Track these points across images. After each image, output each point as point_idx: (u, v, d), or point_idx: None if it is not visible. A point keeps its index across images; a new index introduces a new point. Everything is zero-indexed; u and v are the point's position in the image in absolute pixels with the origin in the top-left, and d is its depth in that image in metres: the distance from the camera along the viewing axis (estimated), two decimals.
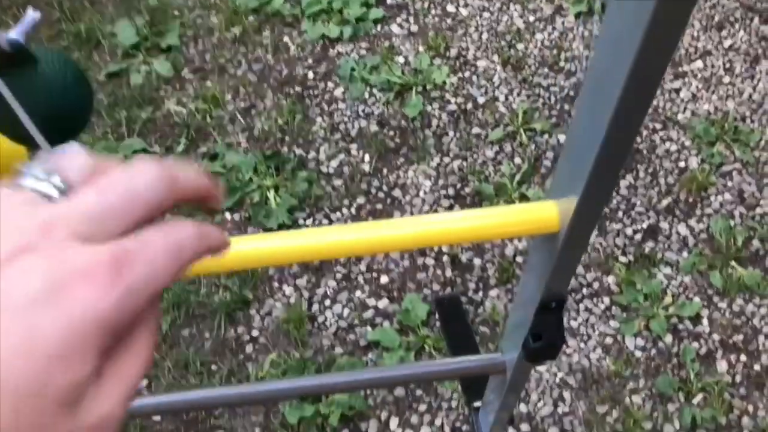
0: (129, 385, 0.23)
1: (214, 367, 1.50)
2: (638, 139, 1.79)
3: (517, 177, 1.73)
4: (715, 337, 1.51)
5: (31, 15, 0.46)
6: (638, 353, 1.50)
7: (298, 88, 1.91)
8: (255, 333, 1.55)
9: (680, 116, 1.83)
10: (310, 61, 1.96)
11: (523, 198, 1.70)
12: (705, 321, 1.53)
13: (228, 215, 1.70)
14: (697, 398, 1.44)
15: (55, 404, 0.21)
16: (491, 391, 1.09)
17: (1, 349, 0.20)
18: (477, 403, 1.22)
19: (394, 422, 1.44)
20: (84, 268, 0.22)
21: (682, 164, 1.75)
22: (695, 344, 1.50)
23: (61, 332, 0.21)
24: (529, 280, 0.75)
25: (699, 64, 1.92)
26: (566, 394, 1.46)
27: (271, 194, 1.71)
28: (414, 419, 1.44)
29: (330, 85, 1.91)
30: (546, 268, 0.69)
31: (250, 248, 0.60)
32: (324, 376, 0.95)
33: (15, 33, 0.44)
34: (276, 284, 1.61)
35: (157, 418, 1.45)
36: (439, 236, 0.65)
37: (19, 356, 0.20)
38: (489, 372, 0.95)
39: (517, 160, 1.77)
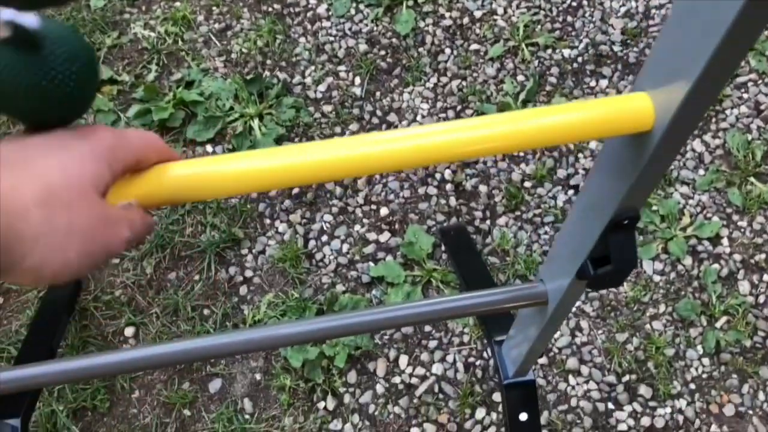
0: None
1: (206, 311, 1.39)
2: (647, 51, 1.67)
3: (522, 95, 1.60)
4: (736, 257, 1.44)
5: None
6: (657, 278, 1.42)
7: (277, 6, 1.73)
8: (248, 273, 1.43)
9: None
10: None
11: None
12: (725, 241, 1.45)
13: (209, 148, 1.55)
14: (720, 321, 1.37)
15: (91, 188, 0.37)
16: (521, 324, 0.99)
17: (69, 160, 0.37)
18: (500, 337, 1.13)
19: (403, 361, 1.35)
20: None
21: None
22: (716, 265, 1.43)
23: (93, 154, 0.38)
24: (596, 192, 0.64)
25: None
26: (583, 324, 1.39)
27: (255, 123, 1.57)
28: (424, 357, 1.36)
29: (312, 1, 1.74)
30: (626, 177, 0.58)
31: (231, 170, 0.47)
32: (338, 317, 0.84)
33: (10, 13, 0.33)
34: (267, 221, 1.49)
35: None
36: (491, 142, 0.53)
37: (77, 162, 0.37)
38: (527, 304, 0.85)
39: (520, 77, 1.64)
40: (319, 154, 0.50)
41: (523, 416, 1.11)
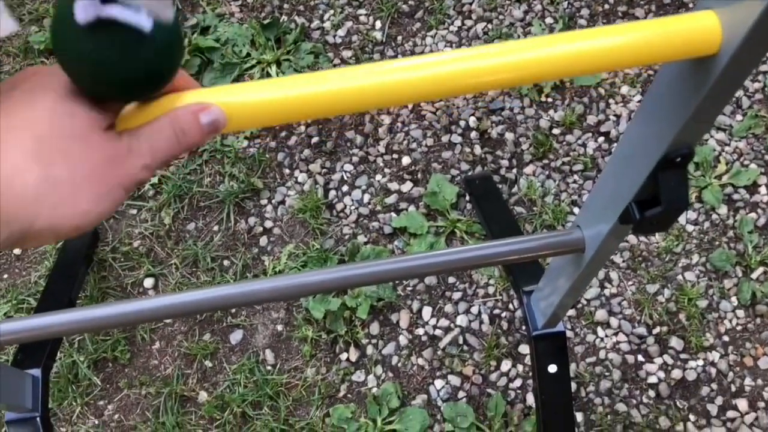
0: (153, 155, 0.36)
1: (226, 262, 1.36)
2: None
3: None
4: None
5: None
6: (690, 227, 1.37)
7: None
8: (268, 224, 1.40)
9: None
10: None
11: None
12: (762, 189, 1.39)
13: None
14: (757, 272, 1.32)
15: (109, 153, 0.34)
16: (552, 274, 0.95)
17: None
18: (529, 287, 1.09)
19: (426, 312, 1.32)
20: None
21: None
22: (752, 214, 1.37)
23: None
24: (647, 126, 0.59)
25: None
26: (613, 275, 1.34)
27: (272, 70, 1.51)
28: (448, 308, 1.33)
29: None
30: (683, 108, 0.53)
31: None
32: (362, 265, 0.80)
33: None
34: (287, 170, 1.45)
35: (168, 318, 1.32)
36: (536, 67, 0.47)
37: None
38: (563, 252, 0.81)
39: (549, 20, 1.57)
40: (352, 80, 0.45)
41: (552, 368, 1.08)
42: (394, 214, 1.40)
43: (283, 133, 1.48)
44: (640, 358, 1.28)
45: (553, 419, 1.10)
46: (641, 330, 1.30)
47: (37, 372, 1.05)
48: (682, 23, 0.47)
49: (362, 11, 1.59)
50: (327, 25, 1.58)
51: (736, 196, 1.39)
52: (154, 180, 1.42)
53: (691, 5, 1.57)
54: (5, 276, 1.37)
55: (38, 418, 1.02)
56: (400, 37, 1.57)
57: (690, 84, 0.51)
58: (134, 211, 1.41)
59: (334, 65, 1.53)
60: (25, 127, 0.30)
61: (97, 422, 1.26)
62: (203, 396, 1.27)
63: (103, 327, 0.95)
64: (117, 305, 0.79)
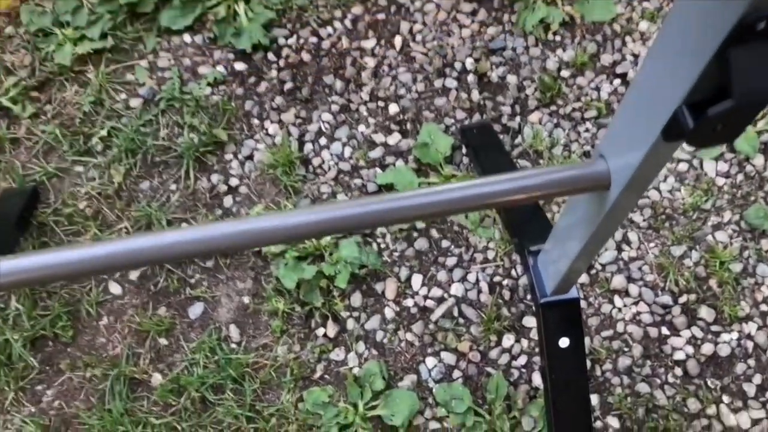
0: None
1: (184, 225, 1.18)
2: None
3: None
4: None
5: None
6: (721, 180, 1.19)
7: None
8: (234, 182, 1.22)
9: None
10: None
11: None
12: None
13: (187, 37, 1.32)
14: None
15: None
16: (565, 228, 0.77)
17: None
18: (535, 247, 0.91)
19: (416, 281, 1.14)
20: None
21: None
22: None
23: None
24: None
25: None
26: (632, 235, 1.16)
27: (240, 7, 1.32)
28: (441, 276, 1.15)
29: None
30: None
31: None
32: (345, 205, 0.62)
33: None
34: (255, 121, 1.26)
35: (117, 290, 1.14)
36: None
37: None
38: (582, 189, 0.62)
39: None
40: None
41: (564, 342, 0.90)
42: (379, 170, 1.22)
43: (252, 79, 1.29)
44: (665, 330, 1.10)
45: (565, 402, 0.92)
46: (665, 299, 1.12)
47: None
48: None
49: None
50: None
51: None
52: (103, 132, 1.24)
53: None
54: None
55: None
56: None
57: None
58: (80, 168, 1.23)
59: (310, 1, 1.34)
60: None
61: (33, 410, 1.08)
62: (157, 379, 1.09)
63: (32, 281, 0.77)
64: (50, 253, 0.61)
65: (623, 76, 1.27)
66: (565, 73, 1.27)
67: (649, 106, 0.51)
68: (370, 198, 0.61)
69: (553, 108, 1.25)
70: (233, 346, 1.11)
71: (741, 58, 0.40)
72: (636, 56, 1.28)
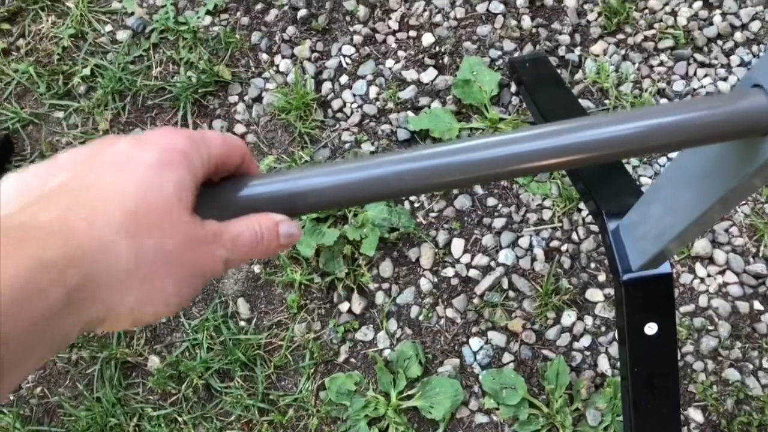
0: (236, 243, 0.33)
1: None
2: None
3: None
4: None
5: None
6: None
7: None
8: (240, 128, 1.03)
9: None
10: None
11: None
12: None
13: None
14: None
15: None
16: (668, 191, 0.58)
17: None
18: (618, 210, 0.72)
19: (457, 246, 0.96)
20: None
21: None
22: None
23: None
24: None
25: None
26: None
27: None
28: (487, 240, 0.96)
29: None
30: None
31: None
32: (401, 156, 0.41)
33: None
34: (264, 56, 1.06)
35: None
36: None
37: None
38: (725, 135, 0.43)
39: None
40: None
41: (651, 328, 0.72)
42: (411, 113, 1.02)
43: (259, 6, 1.09)
44: (758, 305, 0.92)
45: (650, 403, 0.75)
46: (759, 267, 0.93)
47: None
48: None
49: None
50: None
51: None
52: (86, 71, 1.05)
53: None
54: None
55: None
56: None
57: None
58: (60, 114, 1.04)
59: None
60: (114, 201, 0.28)
61: (12, 397, 0.93)
62: (154, 362, 0.93)
63: None
64: None
65: None
66: None
67: None
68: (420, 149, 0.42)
69: (621, 37, 1.04)
70: (242, 324, 0.94)
71: None
72: None
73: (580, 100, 1.02)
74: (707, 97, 0.46)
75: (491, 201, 0.99)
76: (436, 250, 0.96)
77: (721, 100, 0.42)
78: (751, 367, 0.90)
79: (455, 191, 0.99)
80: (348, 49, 1.07)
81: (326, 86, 1.05)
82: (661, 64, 1.03)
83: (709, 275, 0.93)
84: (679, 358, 0.91)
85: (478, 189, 0.99)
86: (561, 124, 0.40)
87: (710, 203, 0.51)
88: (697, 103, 0.42)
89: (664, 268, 0.70)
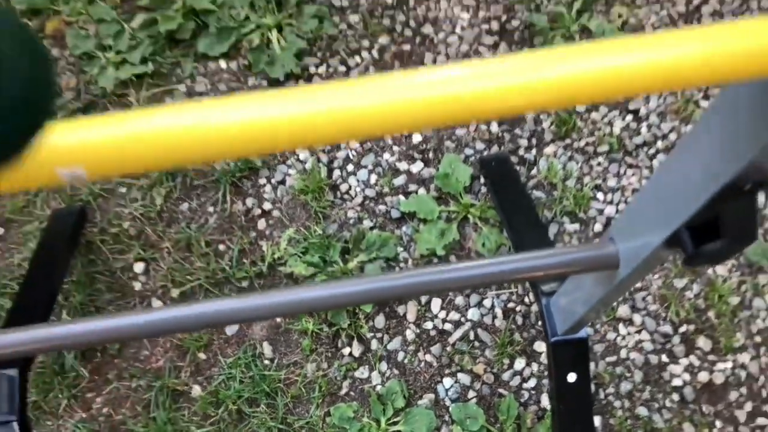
0: None
1: (221, 246, 1.27)
2: None
3: (577, 4, 1.39)
4: None
5: None
6: None
7: None
8: (267, 206, 1.30)
9: None
10: None
11: (585, 31, 1.38)
12: None
13: (223, 63, 1.39)
14: None
15: None
16: (578, 282, 0.86)
17: None
18: (549, 288, 1.00)
19: (436, 305, 1.23)
20: None
21: None
22: None
23: None
24: (711, 145, 0.48)
25: None
26: None
27: (273, 35, 1.39)
28: (459, 301, 1.24)
29: None
30: (764, 130, 0.42)
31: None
32: (362, 281, 0.70)
33: None
34: None
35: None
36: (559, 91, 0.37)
37: None
38: (594, 268, 0.71)
39: None
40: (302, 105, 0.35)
41: (572, 377, 0.99)
42: (402, 197, 1.30)
43: None
44: (665, 358, 1.19)
45: (571, 429, 1.02)
46: (666, 328, 1.21)
47: (13, 372, 0.98)
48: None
49: None
50: None
51: None
52: None
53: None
54: None
55: (15, 423, 0.95)
56: (412, 1, 1.44)
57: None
58: (123, 190, 1.31)
59: (340, 30, 1.41)
60: None
61: (84, 416, 1.19)
62: (197, 390, 1.20)
63: (86, 344, 0.87)
64: (106, 319, 0.71)
65: (635, 113, 1.34)
66: (579, 108, 1.34)
67: (657, 216, 0.59)
68: (406, 272, 0.70)
69: (568, 141, 1.33)
70: (266, 362, 1.21)
71: (730, 209, 0.48)
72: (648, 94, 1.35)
73: (535, 191, 1.30)
74: (583, 246, 0.73)
75: None
76: (419, 307, 1.24)
77: (592, 247, 0.71)
78: (657, 406, 1.17)
79: (435, 261, 1.27)
80: (354, 144, 1.35)
81: (336, 173, 1.33)
82: (599, 164, 1.32)
83: (628, 333, 1.21)
84: (602, 397, 1.18)
85: (453, 259, 1.26)
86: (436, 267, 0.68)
87: (591, 304, 0.79)
88: (576, 249, 0.70)
89: (582, 333, 0.98)
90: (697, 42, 0.36)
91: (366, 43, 1.40)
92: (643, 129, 1.33)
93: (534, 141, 1.33)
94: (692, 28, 0.37)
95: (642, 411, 1.16)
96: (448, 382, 1.19)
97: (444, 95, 0.35)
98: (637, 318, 1.21)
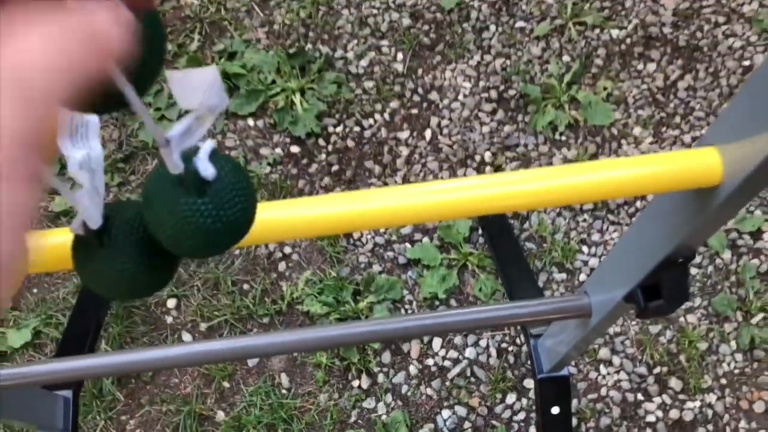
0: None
1: (246, 286, 1.42)
2: (698, 35, 1.62)
3: (567, 77, 1.57)
4: None
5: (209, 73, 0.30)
6: (694, 270, 1.42)
7: None
8: (287, 250, 1.46)
9: (746, 8, 1.65)
10: None
11: (574, 101, 1.56)
12: (766, 236, 1.44)
13: (251, 122, 1.56)
14: (757, 318, 1.37)
15: None
16: (560, 327, 1.01)
17: None
18: (537, 331, 1.14)
19: (437, 343, 1.38)
20: None
21: (746, 63, 1.59)
22: (755, 260, 1.42)
23: None
24: (653, 230, 0.64)
25: None
26: None
27: (297, 98, 1.57)
28: (458, 340, 1.38)
29: None
30: (687, 224, 0.58)
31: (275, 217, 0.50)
32: (371, 323, 0.85)
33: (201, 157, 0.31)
34: (306, 196, 1.50)
35: (189, 338, 1.38)
36: (548, 195, 0.53)
37: None
38: (570, 316, 0.86)
39: (566, 57, 1.61)
40: (335, 206, 0.51)
41: (555, 410, 1.13)
42: (408, 245, 1.46)
43: (305, 161, 1.53)
44: (640, 396, 1.33)
45: None
46: (642, 369, 1.35)
47: (68, 393, 1.11)
48: (687, 159, 0.52)
49: (384, 42, 1.64)
50: (350, 54, 1.63)
51: (740, 242, 1.43)
52: None
53: (704, 47, 1.60)
54: (35, 291, 1.43)
55: None
56: (420, 69, 1.62)
57: (694, 206, 0.56)
58: None
59: (356, 95, 1.58)
60: None
61: None
62: (221, 416, 1.33)
63: (125, 372, 1.01)
64: (142, 352, 0.85)
65: None
66: None
67: (620, 275, 0.74)
68: (411, 316, 0.85)
69: None
70: (284, 391, 1.34)
71: (669, 276, 0.64)
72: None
73: (527, 243, 1.46)
74: (561, 298, 0.89)
75: None
76: (422, 345, 1.38)
77: (568, 299, 0.86)
78: None
79: (437, 303, 1.42)
80: None
81: None
82: (585, 221, 1.47)
83: (608, 373, 1.35)
84: (584, 430, 1.32)
85: (453, 303, 1.41)
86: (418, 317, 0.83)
87: (570, 346, 0.94)
88: (555, 300, 0.85)
89: (565, 371, 1.12)
90: (638, 166, 0.52)
91: (379, 106, 1.57)
92: (626, 229, 1.49)
93: None
94: (637, 156, 0.53)
95: None
96: (446, 413, 1.33)
97: (451, 200, 0.51)
98: (616, 360, 1.36)
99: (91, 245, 0.37)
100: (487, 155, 1.52)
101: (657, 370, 1.35)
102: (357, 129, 1.55)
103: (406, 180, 1.51)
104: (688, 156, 0.52)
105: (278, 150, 1.53)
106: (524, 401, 1.33)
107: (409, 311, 1.41)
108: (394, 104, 1.58)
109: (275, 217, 0.51)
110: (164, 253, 0.38)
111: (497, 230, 1.44)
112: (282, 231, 0.52)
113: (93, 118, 0.38)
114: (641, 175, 0.52)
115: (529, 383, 1.34)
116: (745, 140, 0.49)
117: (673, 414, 1.32)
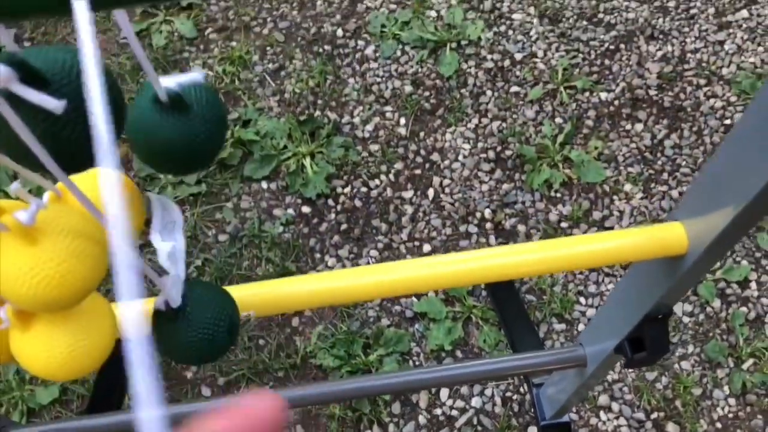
0: None
1: (261, 341, 1.50)
2: (682, 96, 1.74)
3: (560, 138, 1.68)
4: (764, 300, 1.50)
5: (196, 75, 0.41)
6: (686, 319, 1.50)
7: (327, 47, 1.83)
8: None
9: (725, 70, 1.77)
10: (338, 17, 1.88)
11: (567, 160, 1.66)
12: (753, 285, 1.52)
13: (264, 185, 1.66)
14: (747, 363, 1.44)
15: None
16: (560, 376, 1.08)
17: None
18: (539, 380, 1.22)
19: (444, 394, 1.45)
20: None
21: (727, 121, 1.70)
22: (744, 309, 1.50)
23: None
24: (634, 290, 0.73)
25: (744, 13, 1.85)
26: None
27: (307, 162, 1.67)
28: (464, 390, 1.45)
29: (360, 43, 1.84)
30: (661, 287, 0.66)
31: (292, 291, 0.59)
32: (382, 377, 0.94)
33: (173, 84, 0.40)
34: (318, 255, 1.59)
35: (208, 393, 1.45)
36: (543, 265, 0.62)
37: None
38: (567, 366, 0.94)
39: (558, 119, 1.72)
40: (358, 278, 0.60)
41: None
42: (415, 299, 1.54)
43: (315, 220, 1.63)
44: None
45: None
46: (640, 415, 1.42)
47: None
48: (659, 232, 0.61)
49: (388, 108, 1.75)
50: (356, 120, 1.74)
51: (728, 291, 1.51)
52: (198, 262, 1.57)
53: (688, 107, 1.72)
54: None
55: None
56: (422, 133, 1.73)
57: (664, 271, 0.65)
58: None
59: (362, 158, 1.69)
60: None
61: None
62: None
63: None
64: (169, 408, 0.93)
65: (610, 230, 1.59)
66: (564, 225, 1.60)
67: (611, 328, 0.83)
68: (419, 369, 0.93)
69: None
70: None
71: (651, 331, 0.72)
72: (621, 212, 1.62)
73: (527, 295, 1.54)
74: (557, 350, 0.97)
75: None
76: (430, 395, 1.45)
77: (564, 351, 0.94)
78: None
79: (443, 355, 1.49)
80: (374, 252, 1.59)
81: None
82: (581, 273, 1.56)
83: (608, 419, 1.42)
84: None
85: (459, 353, 1.49)
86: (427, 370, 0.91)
87: (569, 394, 1.02)
88: (552, 352, 0.93)
89: (566, 418, 1.19)
90: (617, 239, 0.61)
91: (384, 168, 1.68)
92: (613, 287, 1.58)
93: None
94: (617, 231, 0.62)
95: None
96: None
97: (458, 270, 0.60)
98: (615, 406, 1.42)
99: (169, 319, 0.47)
100: (487, 212, 1.62)
101: (654, 415, 1.42)
102: (364, 189, 1.65)
103: (411, 236, 1.61)
104: (659, 230, 0.61)
105: (290, 211, 1.63)
106: None
107: (417, 363, 1.48)
108: (398, 165, 1.68)
109: (300, 291, 0.60)
110: (228, 329, 0.48)
111: (498, 283, 1.53)
112: (306, 301, 0.61)
113: (179, 216, 0.48)
114: (621, 246, 0.61)
115: (533, 430, 1.41)
116: (705, 215, 0.59)
117: None
